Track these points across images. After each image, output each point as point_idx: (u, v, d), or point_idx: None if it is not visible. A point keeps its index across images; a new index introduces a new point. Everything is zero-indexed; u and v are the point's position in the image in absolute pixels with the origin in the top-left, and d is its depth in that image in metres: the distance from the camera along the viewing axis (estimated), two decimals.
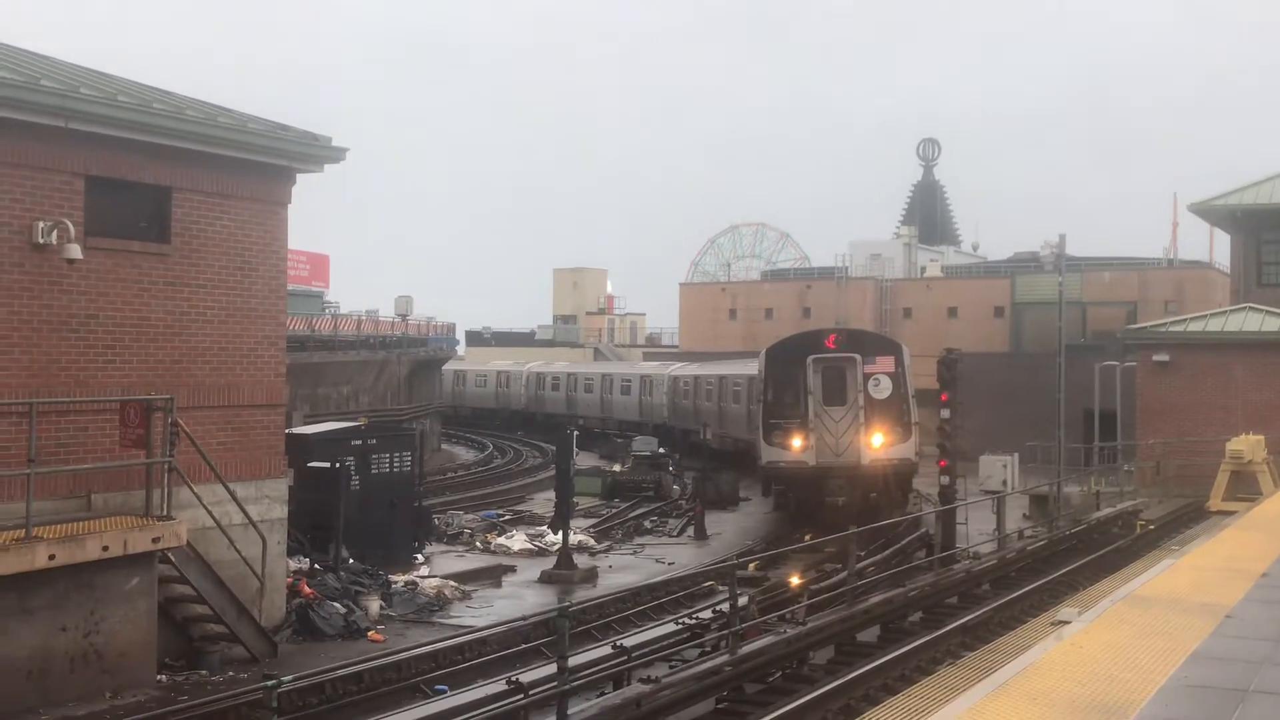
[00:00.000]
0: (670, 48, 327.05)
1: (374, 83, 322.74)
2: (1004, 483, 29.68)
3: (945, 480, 26.32)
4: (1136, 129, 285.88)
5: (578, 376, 71.15)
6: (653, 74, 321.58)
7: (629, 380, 64.42)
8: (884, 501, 30.36)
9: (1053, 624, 12.87)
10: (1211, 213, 45.35)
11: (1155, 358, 39.14)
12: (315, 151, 18.91)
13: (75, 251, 15.62)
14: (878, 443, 30.46)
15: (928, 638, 17.31)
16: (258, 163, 18.25)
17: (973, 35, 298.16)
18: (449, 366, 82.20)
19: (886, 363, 31.21)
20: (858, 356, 31.03)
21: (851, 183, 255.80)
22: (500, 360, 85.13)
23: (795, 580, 21.61)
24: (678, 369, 58.53)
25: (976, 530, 27.60)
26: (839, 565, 20.57)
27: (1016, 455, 31.71)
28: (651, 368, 64.80)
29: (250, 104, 19.38)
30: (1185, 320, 41.82)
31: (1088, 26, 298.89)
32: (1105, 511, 31.58)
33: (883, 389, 30.80)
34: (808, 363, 31.12)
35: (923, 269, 77.28)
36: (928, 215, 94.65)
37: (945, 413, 26.43)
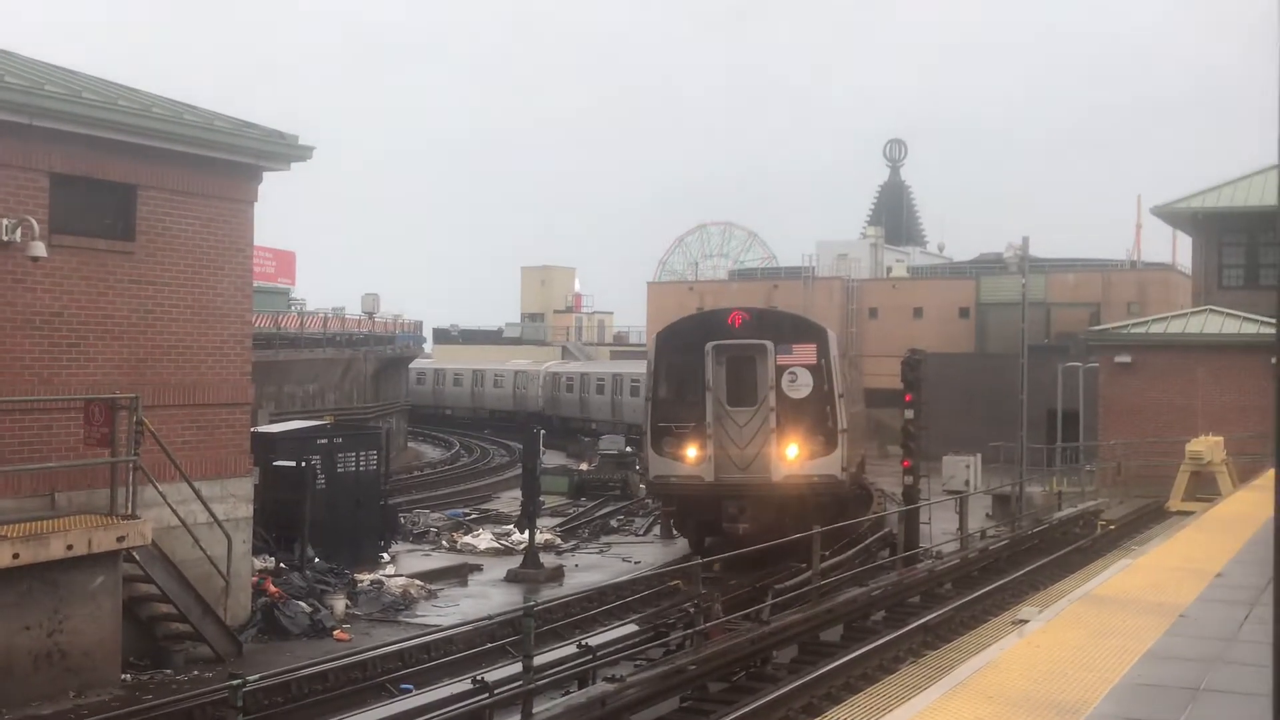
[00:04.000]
0: (639, 43, 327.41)
1: (336, 77, 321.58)
2: (967, 483, 29.93)
3: (909, 480, 26.53)
4: (1101, 131, 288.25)
5: (589, 377, 68.26)
6: (621, 70, 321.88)
7: (638, 381, 61.62)
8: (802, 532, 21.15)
9: (1013, 623, 13.07)
10: (1174, 215, 45.85)
11: (1117, 359, 39.54)
12: (282, 150, 18.91)
13: (40, 249, 15.56)
14: (793, 454, 24.96)
15: (890, 636, 17.47)
16: (224, 161, 18.22)
17: (939, 36, 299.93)
18: (468, 365, 79.57)
19: (806, 352, 25.39)
20: (769, 344, 25.29)
21: (819, 183, 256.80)
22: (519, 360, 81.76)
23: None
24: None
25: (940, 530, 27.83)
26: (803, 565, 20.70)
27: (980, 455, 31.96)
28: None
29: (213, 102, 19.34)
30: (1147, 322, 42.28)
31: (1055, 29, 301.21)
32: (1067, 511, 31.91)
33: (800, 385, 25.13)
34: (706, 351, 25.34)
35: (889, 269, 77.72)
36: (894, 216, 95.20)
37: (909, 413, 26.61)
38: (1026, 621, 12.52)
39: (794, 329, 26.14)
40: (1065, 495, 34.77)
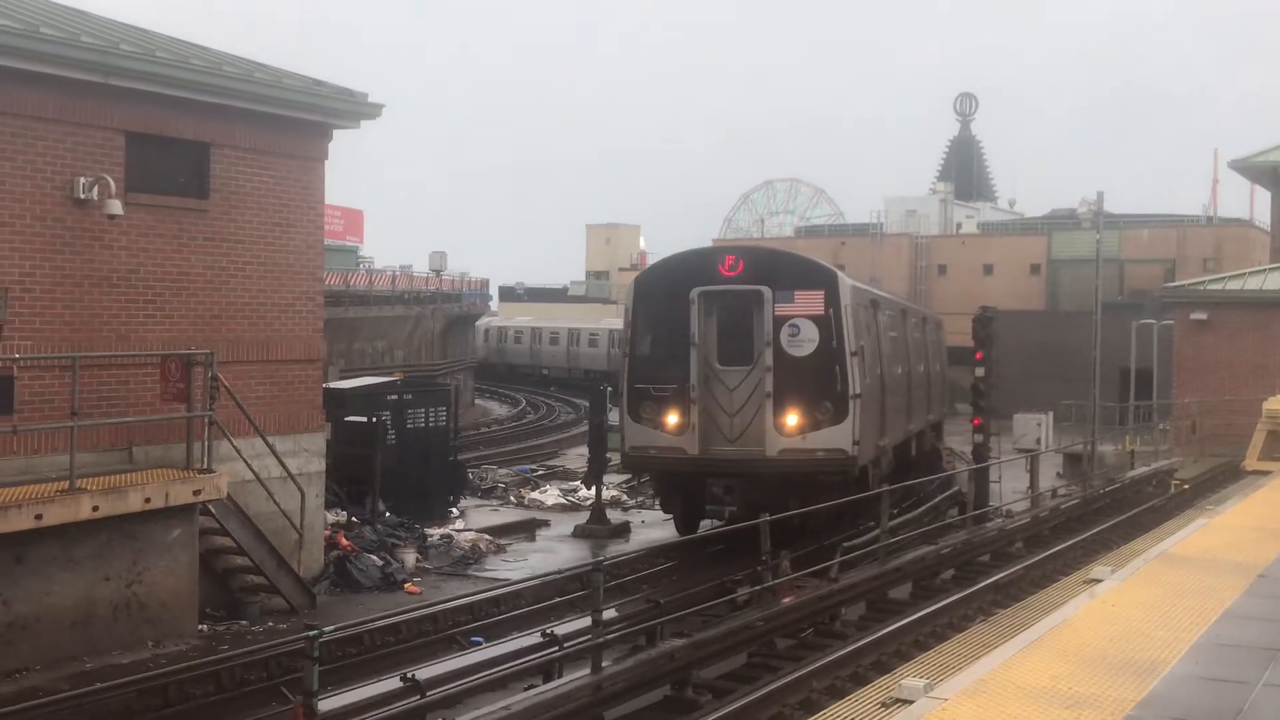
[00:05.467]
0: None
1: (403, 31, 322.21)
2: (1038, 441, 29.63)
3: (979, 438, 26.31)
4: (1178, 84, 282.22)
5: None
6: (687, 26, 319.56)
7: None
8: (810, 516, 19.04)
9: (1085, 582, 12.94)
10: (1252, 169, 44.83)
11: (1193, 316, 38.84)
12: (352, 108, 18.97)
13: (116, 207, 15.77)
14: (793, 424, 20.98)
15: (960, 595, 17.37)
16: (295, 119, 18.33)
17: None
18: (564, 324, 78.99)
19: (811, 300, 21.14)
20: (765, 290, 21.19)
21: (888, 138, 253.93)
22: (614, 319, 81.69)
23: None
24: None
25: (1010, 489, 27.60)
26: (872, 524, 20.62)
27: (1051, 414, 31.59)
28: None
29: (279, 59, 19.44)
30: (1224, 278, 41.45)
31: None
32: (1140, 470, 31.51)
33: (803, 340, 21.04)
34: (692, 298, 21.41)
35: (958, 225, 76.96)
36: (964, 171, 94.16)
37: (980, 371, 26.36)
38: (1100, 580, 12.40)
39: (796, 273, 21.93)
40: (1138, 454, 34.32)
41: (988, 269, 66.05)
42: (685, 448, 21.30)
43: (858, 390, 21.07)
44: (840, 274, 22.16)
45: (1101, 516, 25.67)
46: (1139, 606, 10.57)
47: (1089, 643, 9.27)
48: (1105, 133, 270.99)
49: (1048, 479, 30.60)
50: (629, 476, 32.07)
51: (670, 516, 24.07)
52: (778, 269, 21.96)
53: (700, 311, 21.37)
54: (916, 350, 30.00)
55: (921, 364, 30.82)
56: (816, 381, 20.99)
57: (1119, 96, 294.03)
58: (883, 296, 26.45)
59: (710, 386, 21.39)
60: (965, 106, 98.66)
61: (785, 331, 21.10)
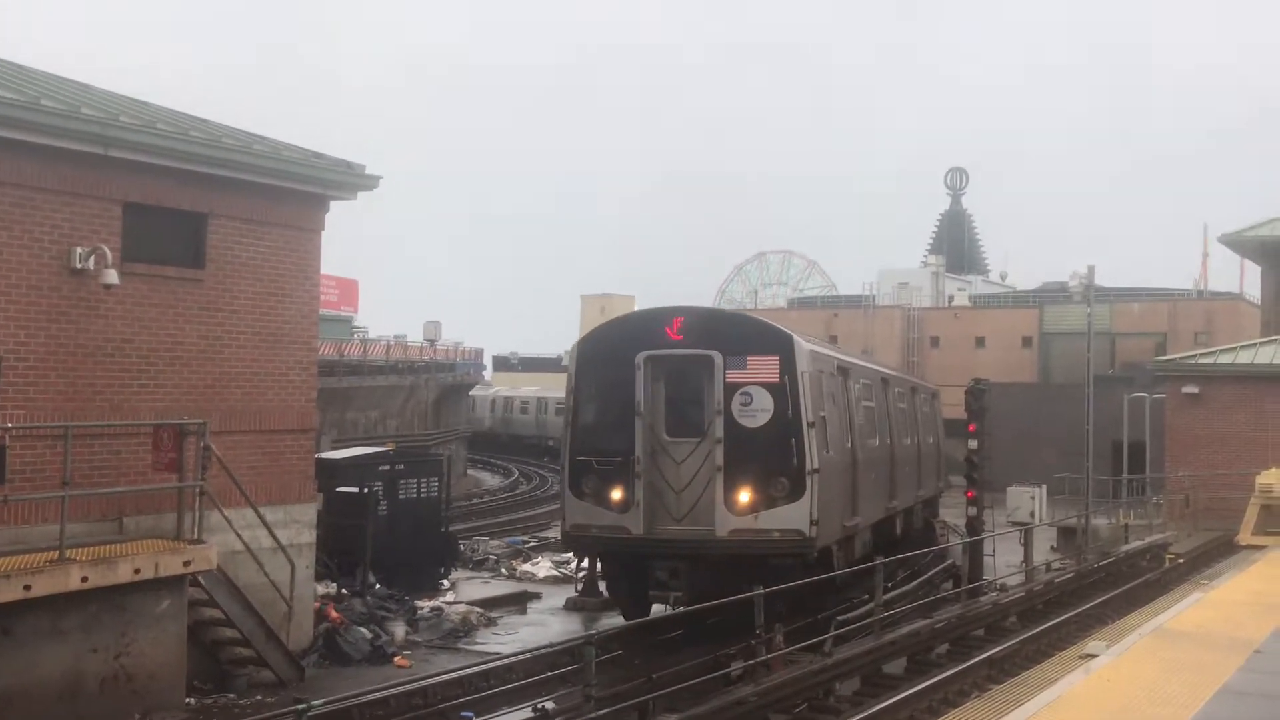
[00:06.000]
0: (700, 74, 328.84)
1: (398, 106, 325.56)
2: (1032, 514, 29.54)
3: (972, 511, 26.25)
4: (1168, 159, 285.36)
5: None
6: (682, 100, 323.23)
7: None
8: (766, 607, 16.44)
9: (1080, 657, 12.87)
10: (1242, 244, 45.24)
11: (1185, 390, 38.94)
12: (349, 179, 19.12)
13: (112, 277, 15.79)
14: (745, 501, 19.21)
15: (954, 670, 17.26)
16: (292, 190, 18.45)
17: (1003, 66, 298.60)
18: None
19: (764, 366, 19.50)
20: (715, 355, 19.56)
21: (880, 211, 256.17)
22: None
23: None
24: None
25: (1004, 562, 27.48)
26: (866, 597, 20.50)
27: (1044, 487, 31.54)
28: None
29: (280, 130, 19.62)
30: (1215, 352, 41.62)
31: (1118, 55, 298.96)
32: (1134, 544, 31.42)
33: (756, 410, 19.38)
34: (638, 364, 19.83)
35: (950, 298, 77.34)
36: (955, 244, 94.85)
37: (973, 443, 26.35)
38: (1095, 656, 12.33)
39: (748, 336, 20.19)
40: (1132, 528, 34.24)
41: (979, 341, 66.32)
42: (629, 526, 19.55)
43: (815, 465, 19.31)
44: (797, 337, 20.27)
45: (1096, 590, 25.58)
46: (1135, 683, 10.51)
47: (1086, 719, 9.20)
48: (1095, 207, 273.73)
49: (1042, 552, 30.50)
50: None
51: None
52: (729, 332, 20.32)
53: (647, 378, 19.76)
54: (902, 422, 28.44)
55: (909, 437, 29.15)
56: (771, 455, 19.24)
57: (1110, 172, 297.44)
58: (854, 363, 24.92)
59: (657, 460, 19.69)
60: (956, 181, 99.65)
61: (737, 400, 19.44)
